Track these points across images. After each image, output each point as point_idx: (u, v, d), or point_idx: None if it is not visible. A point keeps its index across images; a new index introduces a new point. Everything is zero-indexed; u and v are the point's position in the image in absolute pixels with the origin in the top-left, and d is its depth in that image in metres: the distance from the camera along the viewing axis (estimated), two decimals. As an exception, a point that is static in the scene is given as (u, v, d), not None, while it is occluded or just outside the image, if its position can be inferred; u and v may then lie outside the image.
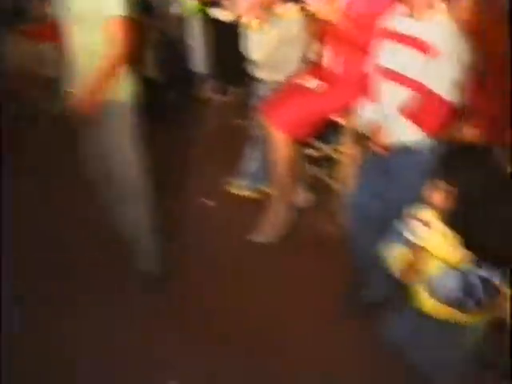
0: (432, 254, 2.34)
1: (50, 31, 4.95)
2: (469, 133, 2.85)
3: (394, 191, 2.71)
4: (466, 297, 2.26)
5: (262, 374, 2.70)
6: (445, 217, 2.28)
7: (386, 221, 2.61)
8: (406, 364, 2.51)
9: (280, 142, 3.36)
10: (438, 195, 2.30)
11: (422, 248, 2.35)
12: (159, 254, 3.13)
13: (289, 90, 3.46)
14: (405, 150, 2.63)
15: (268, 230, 3.54)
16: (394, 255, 2.48)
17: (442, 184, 2.28)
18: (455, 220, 2.25)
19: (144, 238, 3.06)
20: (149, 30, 4.98)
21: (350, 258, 3.06)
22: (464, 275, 2.25)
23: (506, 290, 2.29)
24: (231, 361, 2.73)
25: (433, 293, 2.36)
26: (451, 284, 2.28)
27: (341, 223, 3.52)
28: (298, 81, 3.47)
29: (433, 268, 2.35)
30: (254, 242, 3.49)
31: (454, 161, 2.29)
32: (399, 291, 2.60)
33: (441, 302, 2.34)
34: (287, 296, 3.13)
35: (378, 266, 2.62)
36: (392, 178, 2.71)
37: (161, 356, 2.75)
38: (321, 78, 3.38)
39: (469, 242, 2.24)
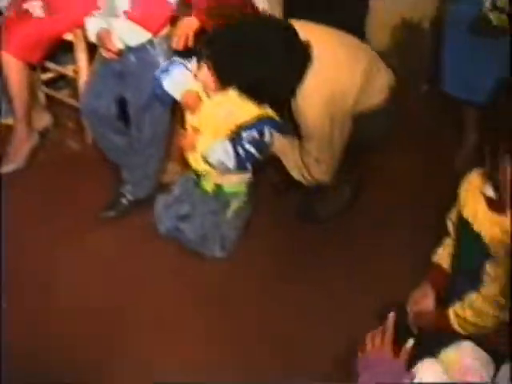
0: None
1: None
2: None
3: (132, 91, 2.94)
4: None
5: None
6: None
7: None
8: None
9: (12, 68, 3.35)
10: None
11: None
12: None
13: (13, 14, 3.44)
14: (135, 52, 2.84)
15: (15, 157, 3.54)
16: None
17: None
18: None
19: None
20: None
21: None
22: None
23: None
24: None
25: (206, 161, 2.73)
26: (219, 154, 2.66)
27: (84, 139, 3.69)
28: (21, 4, 3.46)
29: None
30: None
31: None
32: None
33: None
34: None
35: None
36: (128, 79, 2.92)
37: None
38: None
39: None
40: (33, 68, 3.54)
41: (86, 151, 3.66)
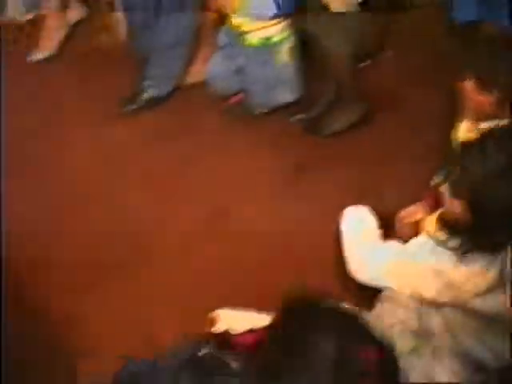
0: None
1: None
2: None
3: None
4: None
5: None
6: None
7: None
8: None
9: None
10: None
11: None
12: None
13: None
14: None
15: (46, 46, 3.62)
16: None
17: None
18: None
19: None
20: None
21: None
22: None
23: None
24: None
25: None
26: None
27: (117, 35, 3.74)
28: None
29: None
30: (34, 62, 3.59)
31: None
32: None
33: None
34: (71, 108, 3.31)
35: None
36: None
37: None
38: None
39: None
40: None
41: (117, 47, 3.69)
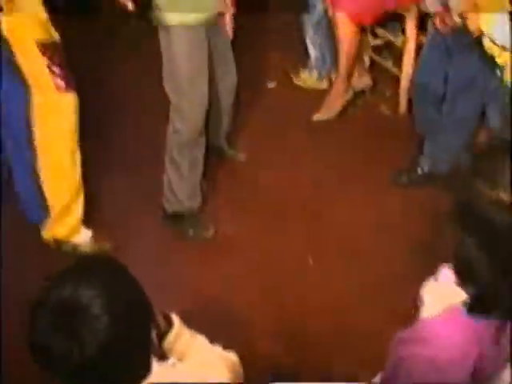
0: None
1: None
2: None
3: (454, 68, 2.95)
4: None
5: (312, 242, 2.99)
6: None
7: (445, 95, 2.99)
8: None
9: (345, 28, 3.55)
10: None
11: None
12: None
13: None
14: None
15: (328, 109, 3.78)
16: None
17: None
18: None
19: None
20: None
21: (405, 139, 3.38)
22: None
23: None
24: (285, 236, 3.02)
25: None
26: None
27: (397, 106, 3.79)
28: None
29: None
30: (313, 122, 3.75)
31: None
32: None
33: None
34: (341, 169, 3.40)
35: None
36: (454, 57, 2.94)
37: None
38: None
39: None
40: (364, 31, 3.71)
41: (396, 119, 3.78)
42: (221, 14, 2.90)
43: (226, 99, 3.15)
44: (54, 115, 2.65)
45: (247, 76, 3.79)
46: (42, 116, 2.65)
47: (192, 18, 2.70)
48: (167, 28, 2.71)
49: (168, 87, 2.83)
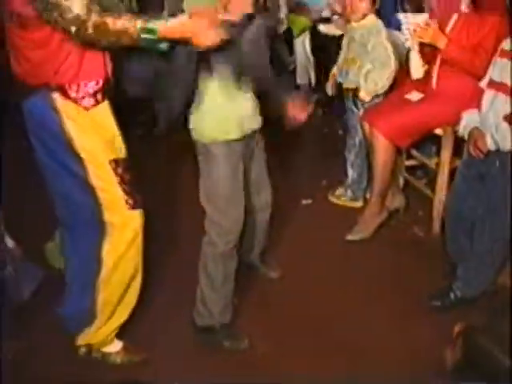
0: None
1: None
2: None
3: (489, 194, 2.99)
4: None
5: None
6: None
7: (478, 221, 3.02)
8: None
9: (381, 148, 3.64)
10: None
11: None
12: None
13: (393, 99, 3.78)
14: (504, 156, 2.90)
15: (361, 229, 3.82)
16: None
17: None
18: None
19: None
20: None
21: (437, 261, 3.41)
22: None
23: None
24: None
25: None
26: None
27: (430, 227, 3.82)
28: (402, 93, 3.78)
29: None
30: (348, 241, 3.79)
31: None
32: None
33: None
34: (375, 294, 3.37)
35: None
36: (487, 182, 2.99)
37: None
38: (425, 93, 3.69)
39: None
40: (399, 152, 3.81)
41: (429, 240, 3.80)
42: (257, 131, 2.99)
43: (261, 215, 3.22)
44: (124, 232, 2.63)
45: (283, 192, 3.89)
46: (111, 233, 2.64)
47: (231, 136, 2.79)
48: (204, 144, 2.81)
49: (204, 201, 2.90)
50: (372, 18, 3.93)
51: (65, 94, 2.42)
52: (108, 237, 2.63)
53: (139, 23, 2.28)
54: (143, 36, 2.29)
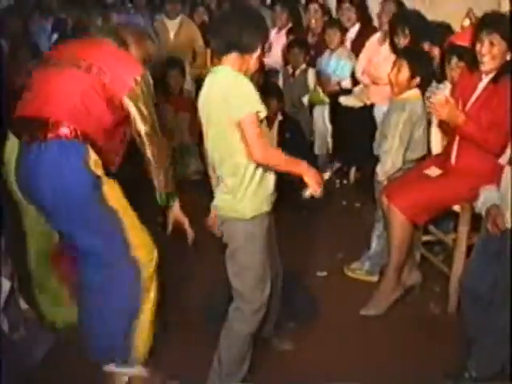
0: None
1: (186, 103, 5.71)
2: None
3: (504, 271, 2.95)
4: None
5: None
6: None
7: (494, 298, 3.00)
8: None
9: (398, 224, 3.63)
10: None
11: None
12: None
13: (412, 174, 3.78)
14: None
15: (376, 305, 3.77)
16: None
17: None
18: None
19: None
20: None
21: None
22: None
23: None
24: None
25: None
26: None
27: (446, 304, 3.76)
28: (421, 168, 3.79)
29: None
30: (362, 316, 3.74)
31: None
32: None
33: None
34: (389, 371, 3.29)
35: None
36: (504, 259, 2.96)
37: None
38: (444, 169, 3.70)
39: None
40: (416, 227, 3.79)
41: (445, 317, 3.74)
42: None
43: (274, 289, 3.19)
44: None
45: (299, 264, 3.88)
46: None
47: (264, 208, 2.87)
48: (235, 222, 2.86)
49: (236, 280, 2.93)
50: (413, 93, 3.87)
51: None
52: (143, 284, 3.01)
53: None
54: None
